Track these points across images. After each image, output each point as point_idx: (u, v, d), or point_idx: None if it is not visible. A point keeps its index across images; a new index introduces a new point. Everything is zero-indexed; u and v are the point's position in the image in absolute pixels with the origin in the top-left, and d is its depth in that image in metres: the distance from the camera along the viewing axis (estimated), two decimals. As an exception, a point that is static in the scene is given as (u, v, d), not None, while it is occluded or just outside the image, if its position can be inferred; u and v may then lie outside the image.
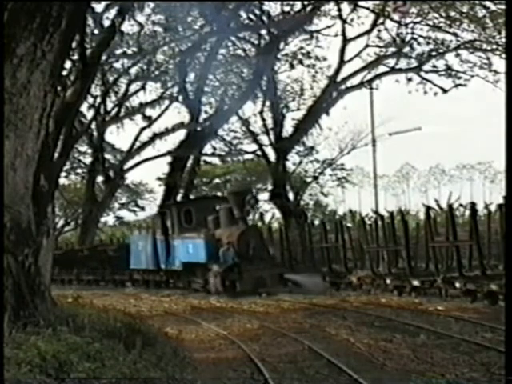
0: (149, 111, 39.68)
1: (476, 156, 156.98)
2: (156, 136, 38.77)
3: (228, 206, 24.58)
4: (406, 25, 35.85)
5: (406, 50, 36.71)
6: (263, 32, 37.00)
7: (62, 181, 42.76)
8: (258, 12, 35.23)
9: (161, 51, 37.82)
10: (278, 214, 42.00)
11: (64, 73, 24.09)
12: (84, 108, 35.37)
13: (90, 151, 41.60)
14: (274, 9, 35.89)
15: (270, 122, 39.37)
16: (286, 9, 35.69)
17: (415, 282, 19.60)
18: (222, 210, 24.93)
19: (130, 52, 36.19)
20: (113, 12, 30.51)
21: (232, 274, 23.15)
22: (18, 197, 11.54)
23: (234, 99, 39.14)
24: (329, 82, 38.00)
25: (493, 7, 32.51)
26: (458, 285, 17.94)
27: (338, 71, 37.61)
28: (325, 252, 25.33)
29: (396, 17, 35.58)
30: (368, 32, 36.61)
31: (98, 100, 38.34)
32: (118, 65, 38.09)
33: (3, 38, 10.94)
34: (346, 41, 36.93)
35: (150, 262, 28.09)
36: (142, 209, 50.96)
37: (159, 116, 39.71)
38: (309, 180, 44.11)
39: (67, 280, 33.97)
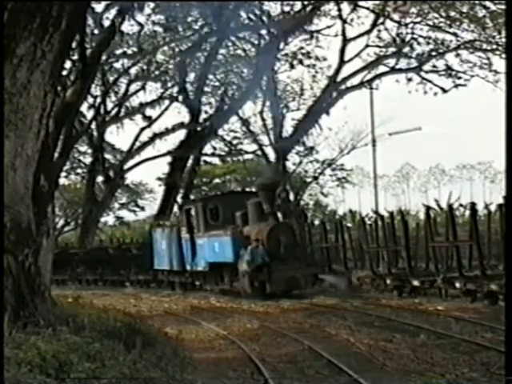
0: (149, 111, 39.74)
1: (476, 156, 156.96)
2: (156, 136, 38.77)
3: (257, 201, 22.61)
4: (406, 25, 35.91)
5: (406, 50, 36.77)
6: (263, 32, 37.04)
7: (62, 181, 42.76)
8: (258, 12, 35.25)
9: (161, 51, 37.84)
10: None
11: (64, 73, 24.12)
12: (84, 108, 35.40)
13: (90, 151, 41.58)
14: (274, 9, 35.98)
15: (269, 122, 39.45)
16: (286, 9, 35.76)
17: (415, 282, 19.59)
18: (250, 204, 22.82)
19: (130, 52, 36.21)
20: (113, 12, 30.59)
21: (261, 274, 21.26)
22: (18, 197, 11.54)
23: (234, 99, 39.18)
24: (329, 82, 38.05)
25: (493, 7, 32.56)
26: (457, 285, 17.92)
27: (337, 71, 37.66)
28: (325, 252, 25.32)
29: (396, 17, 35.65)
30: (368, 32, 36.66)
31: (98, 100, 38.33)
32: (118, 65, 38.14)
33: (3, 38, 10.95)
34: (345, 41, 36.98)
35: (174, 262, 26.21)
36: (142, 209, 50.96)
37: (159, 116, 39.75)
38: (309, 180, 44.16)
39: (92, 280, 32.55)
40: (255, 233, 22.07)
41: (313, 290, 21.52)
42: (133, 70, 38.48)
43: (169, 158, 39.30)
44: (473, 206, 19.50)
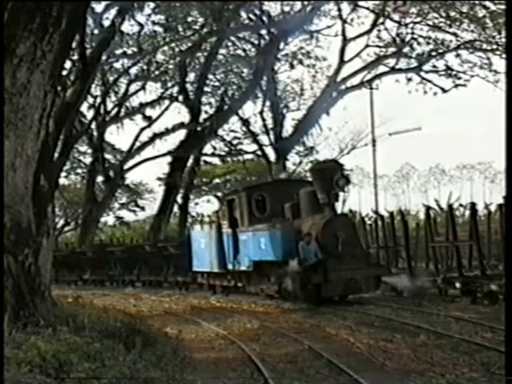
0: (149, 111, 39.80)
1: (476, 156, 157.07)
2: (156, 136, 38.82)
3: (310, 190, 19.58)
4: (406, 25, 35.95)
5: (406, 50, 36.81)
6: (263, 32, 37.09)
7: (62, 181, 42.85)
8: (258, 12, 35.30)
9: (161, 51, 37.89)
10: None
11: (64, 73, 24.12)
12: (84, 108, 35.48)
13: (90, 151, 41.65)
14: (274, 9, 36.05)
15: (270, 122, 39.48)
16: (286, 9, 35.82)
17: (415, 282, 19.59)
18: (302, 194, 19.86)
19: (129, 52, 36.25)
20: (113, 12, 30.64)
21: (315, 274, 18.23)
22: (18, 197, 11.55)
23: (234, 99, 39.22)
24: (329, 82, 38.08)
25: (493, 7, 32.58)
26: (457, 285, 17.92)
27: (337, 71, 37.71)
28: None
29: (396, 17, 35.70)
30: (368, 32, 36.71)
31: (98, 100, 38.41)
32: (117, 65, 38.22)
33: (3, 38, 10.95)
34: (345, 41, 37.04)
35: (214, 262, 22.84)
36: (142, 209, 50.97)
37: (159, 116, 39.84)
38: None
39: (128, 281, 30.49)
40: (308, 226, 19.20)
41: (374, 295, 19.25)
42: (133, 70, 38.62)
43: (169, 158, 39.35)
44: (473, 206, 19.51)
